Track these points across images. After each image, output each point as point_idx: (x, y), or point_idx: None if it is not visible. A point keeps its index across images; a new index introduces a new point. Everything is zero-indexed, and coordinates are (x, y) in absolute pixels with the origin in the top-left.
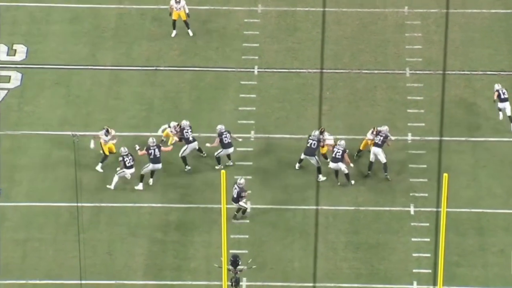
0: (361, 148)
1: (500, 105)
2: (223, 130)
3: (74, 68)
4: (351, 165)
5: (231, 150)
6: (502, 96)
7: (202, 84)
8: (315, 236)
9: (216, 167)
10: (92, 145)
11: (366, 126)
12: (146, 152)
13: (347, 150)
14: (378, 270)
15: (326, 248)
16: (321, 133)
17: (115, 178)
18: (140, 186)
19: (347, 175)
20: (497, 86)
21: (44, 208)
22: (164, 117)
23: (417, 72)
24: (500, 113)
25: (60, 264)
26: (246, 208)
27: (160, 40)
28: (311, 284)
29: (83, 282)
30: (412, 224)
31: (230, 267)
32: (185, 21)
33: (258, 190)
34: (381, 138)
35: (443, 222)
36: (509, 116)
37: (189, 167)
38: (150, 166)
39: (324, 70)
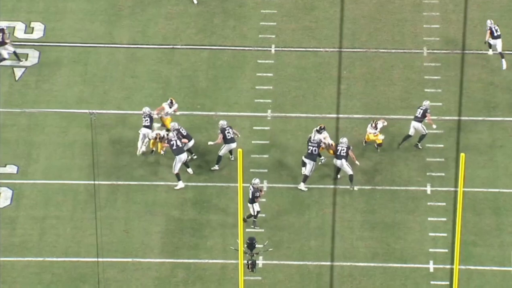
0: (366, 140)
1: (492, 41)
2: (225, 126)
3: (91, 46)
4: (357, 162)
5: (234, 145)
6: (495, 34)
7: (219, 62)
8: (332, 215)
9: (212, 168)
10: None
11: (383, 105)
12: (168, 145)
13: (351, 147)
14: (394, 249)
15: (342, 227)
16: (321, 130)
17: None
18: (181, 184)
19: (350, 177)
20: (489, 23)
21: (61, 185)
22: (180, 96)
23: (435, 51)
24: (490, 49)
25: (77, 241)
26: (257, 214)
27: (177, 18)
28: (328, 263)
29: (100, 259)
30: (428, 203)
31: (247, 250)
32: None
33: (274, 169)
34: (421, 111)
35: (460, 201)
36: (500, 53)
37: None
38: (177, 159)
39: (341, 49)
